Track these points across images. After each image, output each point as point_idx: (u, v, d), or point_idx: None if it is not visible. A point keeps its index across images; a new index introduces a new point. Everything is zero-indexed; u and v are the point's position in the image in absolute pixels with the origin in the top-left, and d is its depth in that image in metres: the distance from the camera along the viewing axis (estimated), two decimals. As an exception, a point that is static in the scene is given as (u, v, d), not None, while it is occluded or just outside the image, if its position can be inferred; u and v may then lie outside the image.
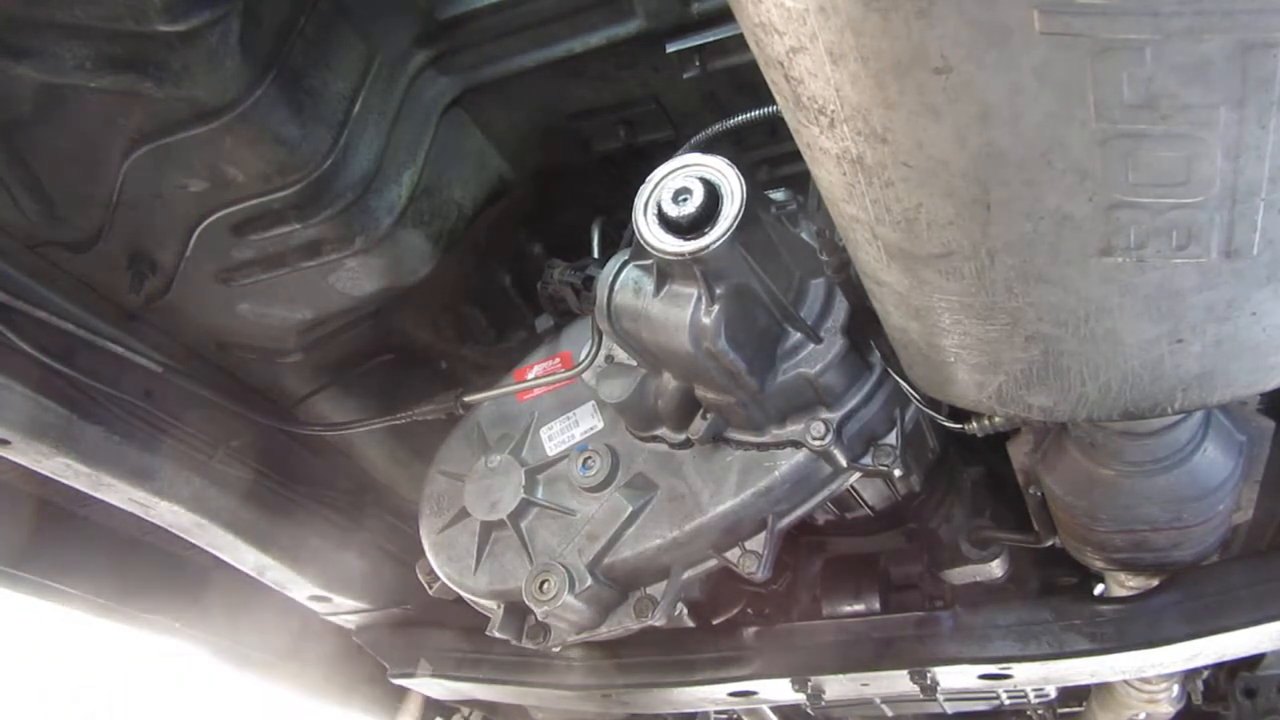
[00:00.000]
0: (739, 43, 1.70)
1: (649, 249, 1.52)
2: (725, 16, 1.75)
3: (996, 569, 2.31)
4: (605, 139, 2.09)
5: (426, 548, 2.15)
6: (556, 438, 2.05)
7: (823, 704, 2.42)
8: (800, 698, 2.37)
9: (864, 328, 1.71)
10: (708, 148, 1.58)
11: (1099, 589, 2.48)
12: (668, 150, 1.68)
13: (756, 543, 1.88)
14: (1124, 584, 2.16)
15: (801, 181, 1.66)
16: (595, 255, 2.14)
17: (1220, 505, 1.72)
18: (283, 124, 1.68)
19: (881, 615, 2.36)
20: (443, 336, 2.41)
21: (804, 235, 1.74)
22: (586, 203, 2.23)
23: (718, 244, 1.47)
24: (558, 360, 2.11)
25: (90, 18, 1.46)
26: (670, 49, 1.81)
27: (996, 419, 1.71)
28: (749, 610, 2.63)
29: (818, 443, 1.77)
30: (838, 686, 2.31)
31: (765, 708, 3.08)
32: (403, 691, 2.92)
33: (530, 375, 2.10)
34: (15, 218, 1.77)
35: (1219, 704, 2.96)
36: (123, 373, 2.00)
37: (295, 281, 2.00)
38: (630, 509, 1.91)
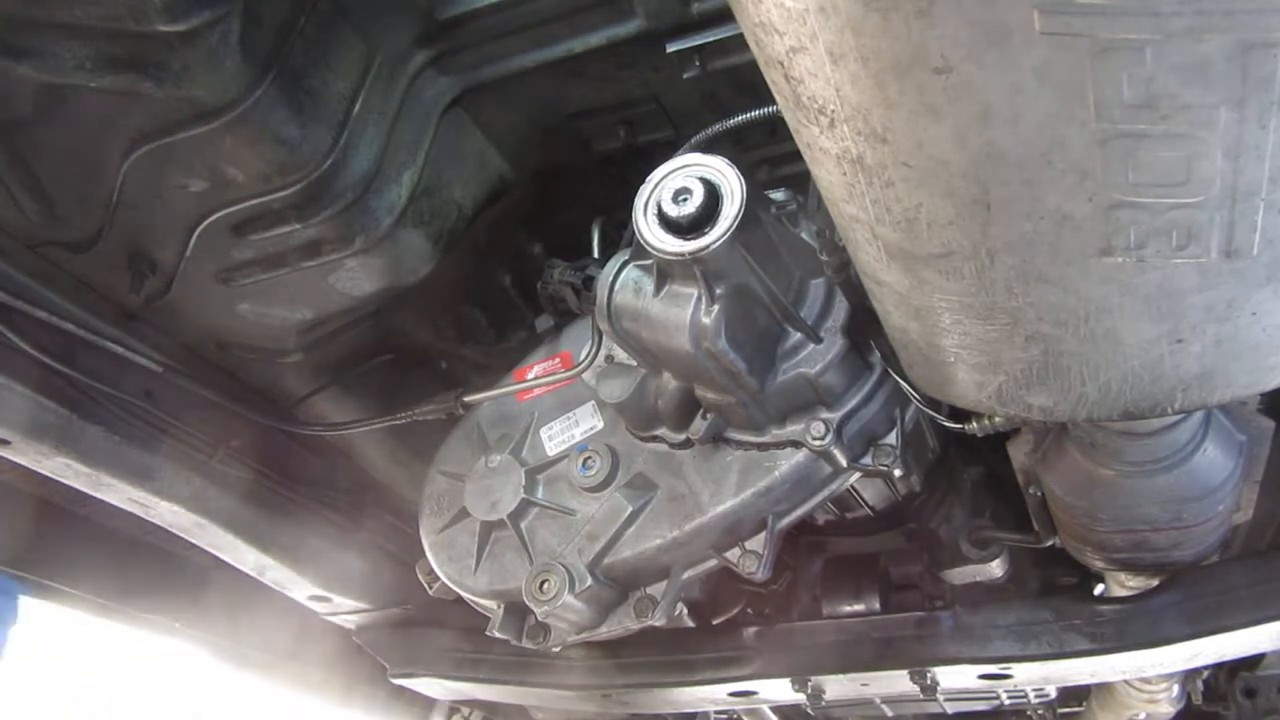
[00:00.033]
0: (739, 43, 1.70)
1: (649, 249, 1.52)
2: (725, 16, 1.75)
3: (996, 569, 2.31)
4: (605, 139, 2.09)
5: (426, 548, 2.15)
6: (556, 438, 2.05)
7: (823, 704, 2.42)
8: (800, 698, 2.37)
9: (864, 328, 1.71)
10: (708, 148, 1.58)
11: (1099, 589, 2.48)
12: (668, 150, 1.68)
13: (756, 543, 1.88)
14: (1124, 584, 2.16)
15: (801, 181, 1.66)
16: (595, 255, 2.14)
17: (1220, 505, 1.72)
18: (283, 124, 1.68)
19: (881, 615, 2.36)
20: (443, 336, 2.41)
21: (804, 235, 1.74)
22: (586, 203, 2.23)
23: (718, 244, 1.47)
24: (558, 360, 2.11)
25: (90, 18, 1.46)
26: (670, 49, 1.81)
27: (996, 419, 1.71)
28: (749, 610, 2.63)
29: (818, 443, 1.77)
30: (838, 686, 2.31)
31: (765, 708, 3.08)
32: (404, 691, 2.92)
33: (530, 375, 2.10)
34: (15, 218, 1.77)
35: (1219, 704, 2.96)
36: (123, 373, 2.00)
37: (295, 281, 2.00)
38: (630, 509, 1.91)
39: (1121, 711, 2.93)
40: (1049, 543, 2.12)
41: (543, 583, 1.90)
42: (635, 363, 1.83)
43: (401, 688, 2.79)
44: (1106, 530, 1.82)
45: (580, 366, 1.92)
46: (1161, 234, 0.88)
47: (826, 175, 0.97)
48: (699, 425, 1.84)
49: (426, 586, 2.26)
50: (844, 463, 1.81)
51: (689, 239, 1.49)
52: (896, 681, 2.23)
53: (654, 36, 1.81)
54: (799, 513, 1.91)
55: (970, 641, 2.13)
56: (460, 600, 2.17)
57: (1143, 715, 2.92)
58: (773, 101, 0.96)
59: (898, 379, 1.64)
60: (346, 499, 2.65)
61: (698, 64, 1.83)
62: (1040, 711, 3.26)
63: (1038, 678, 2.24)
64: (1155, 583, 2.03)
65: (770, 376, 1.73)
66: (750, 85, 1.85)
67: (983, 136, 0.81)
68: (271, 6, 1.61)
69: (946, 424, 1.77)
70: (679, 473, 1.92)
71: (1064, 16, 0.71)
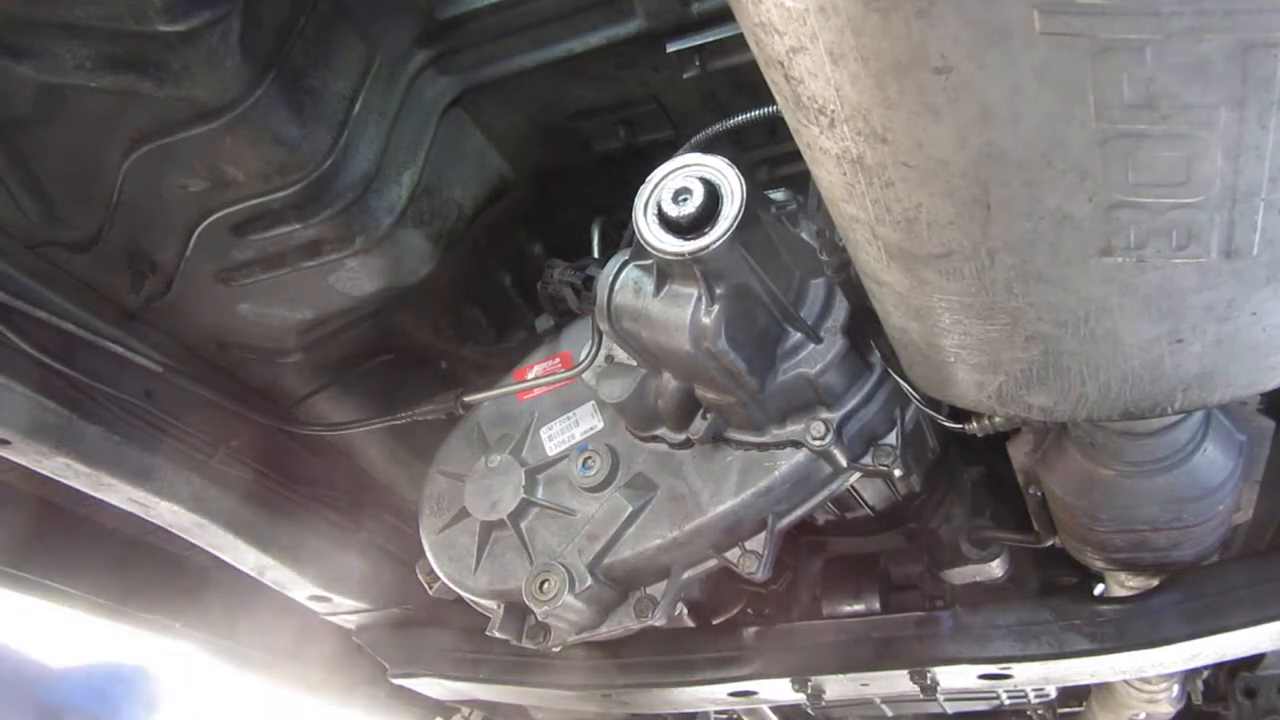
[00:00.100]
0: (739, 43, 1.70)
1: (649, 249, 1.52)
2: (725, 16, 1.75)
3: (996, 569, 2.31)
4: (605, 139, 2.09)
5: (426, 548, 2.15)
6: (556, 438, 2.05)
7: (823, 704, 2.42)
8: (800, 698, 2.37)
9: (864, 328, 1.71)
10: (708, 148, 1.58)
11: (1099, 589, 2.48)
12: (668, 150, 1.68)
13: (756, 543, 1.88)
14: (1124, 584, 2.16)
15: (801, 181, 1.66)
16: (595, 255, 2.14)
17: (1220, 505, 1.72)
18: (283, 124, 1.68)
19: (881, 615, 2.36)
20: (443, 336, 2.41)
21: (804, 235, 1.74)
22: (586, 203, 2.23)
23: (718, 244, 1.47)
24: (558, 360, 2.11)
25: (90, 18, 1.46)
26: (670, 49, 1.81)
27: (996, 419, 1.71)
28: (749, 610, 2.63)
29: (818, 443, 1.77)
30: (838, 686, 2.31)
31: (765, 708, 3.08)
32: (404, 691, 2.92)
33: (530, 375, 2.10)
34: (15, 218, 1.77)
35: (1219, 704, 2.96)
36: (123, 373, 2.00)
37: (295, 281, 2.00)
38: (630, 509, 1.91)
39: (1121, 711, 2.93)
40: (1049, 543, 2.12)
41: (543, 583, 1.90)
42: (635, 363, 1.83)
43: (401, 688, 2.79)
44: (1106, 530, 1.82)
45: (580, 366, 1.92)
46: (1161, 234, 0.88)
47: (826, 175, 0.97)
48: (699, 425, 1.84)
49: (426, 586, 2.26)
50: (844, 463, 1.81)
51: (689, 239, 1.49)
52: (896, 681, 2.23)
53: (654, 36, 1.81)
54: (799, 513, 1.91)
55: (970, 641, 2.13)
56: (460, 600, 2.17)
57: (1143, 715, 2.92)
58: (773, 101, 0.96)
59: (898, 379, 1.64)
60: (346, 499, 2.65)
61: (698, 64, 1.83)
62: (1040, 711, 3.26)
63: (1038, 678, 2.24)
64: (1155, 583, 2.03)
65: (770, 376, 1.73)
66: (750, 85, 1.85)
67: (983, 136, 0.81)
68: (271, 6, 1.61)
69: (946, 424, 1.77)
70: (679, 473, 1.92)
71: (1064, 16, 0.71)
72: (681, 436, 1.89)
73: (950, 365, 1.19)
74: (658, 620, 1.95)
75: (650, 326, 1.63)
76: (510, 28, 1.82)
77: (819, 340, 1.72)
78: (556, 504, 1.99)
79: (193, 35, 1.50)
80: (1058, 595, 2.57)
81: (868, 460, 1.83)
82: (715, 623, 2.53)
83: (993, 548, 2.29)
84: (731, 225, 1.47)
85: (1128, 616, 2.02)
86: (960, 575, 2.34)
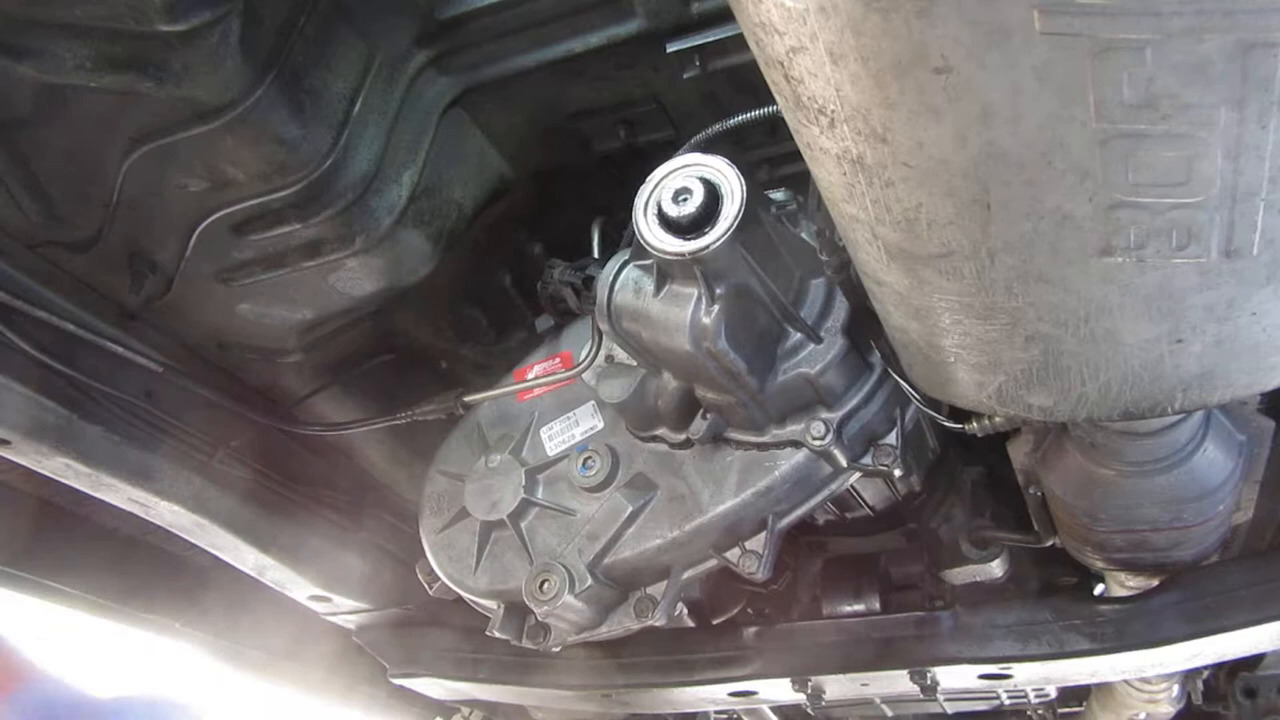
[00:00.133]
0: (739, 43, 1.70)
1: (649, 249, 1.52)
2: (725, 16, 1.75)
3: (996, 569, 2.31)
4: (605, 139, 2.09)
5: (426, 548, 2.15)
6: (556, 438, 2.05)
7: (823, 704, 2.42)
8: (800, 698, 2.37)
9: (864, 328, 1.71)
10: (708, 148, 1.58)
11: (1099, 589, 2.48)
12: (668, 150, 1.68)
13: (757, 543, 1.88)
14: (1124, 584, 2.16)
15: (801, 181, 1.66)
16: (595, 255, 2.14)
17: (1220, 505, 1.72)
18: (283, 124, 1.68)
19: (881, 615, 2.36)
20: (443, 336, 2.41)
21: (804, 235, 1.74)
22: (586, 203, 2.23)
23: (718, 244, 1.47)
24: (558, 360, 2.11)
25: (90, 18, 1.46)
26: (670, 49, 1.81)
27: (996, 419, 1.71)
28: (749, 610, 2.63)
29: (818, 443, 1.77)
30: (838, 686, 2.31)
31: (765, 708, 3.08)
32: (404, 691, 2.92)
33: (530, 375, 2.10)
34: (15, 218, 1.77)
35: (1219, 704, 2.96)
36: (123, 373, 2.00)
37: (295, 281, 2.00)
38: (630, 509, 1.91)
39: (1121, 711, 2.93)
40: (1049, 543, 2.12)
41: (543, 583, 1.90)
42: (635, 363, 1.83)
43: (401, 688, 2.79)
44: (1106, 530, 1.82)
45: (580, 366, 1.92)
46: (1161, 234, 0.88)
47: (826, 175, 0.97)
48: (699, 425, 1.84)
49: (426, 586, 2.26)
50: (844, 463, 1.81)
51: (689, 239, 1.49)
52: (896, 681, 2.23)
53: (654, 36, 1.81)
54: (799, 513, 1.91)
55: (970, 641, 2.13)
56: (460, 600, 2.17)
57: (1143, 715, 2.92)
58: (773, 101, 0.96)
59: (898, 379, 1.64)
60: (346, 499, 2.65)
61: (698, 64, 1.83)
62: (1040, 711, 3.27)
63: (1038, 678, 2.24)
64: (1155, 583, 2.03)
65: (770, 376, 1.73)
66: (750, 85, 1.85)
67: (983, 136, 0.81)
68: (271, 6, 1.61)
69: (946, 424, 1.77)
70: (679, 473, 1.92)
71: (1064, 16, 0.71)
72: (681, 436, 1.89)
73: (950, 365, 1.19)
74: (658, 620, 1.95)
75: (650, 326, 1.63)
76: (510, 28, 1.82)
77: (819, 340, 1.72)
78: (556, 504, 1.99)
79: (193, 35, 1.49)
80: (1058, 595, 2.57)
81: (868, 460, 1.83)
82: (715, 623, 2.53)
83: (993, 548, 2.29)
84: (731, 225, 1.47)
85: (1128, 616, 2.02)
86: (960, 575, 2.34)
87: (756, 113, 1.64)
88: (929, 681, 2.19)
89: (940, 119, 0.81)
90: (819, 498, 1.91)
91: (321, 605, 2.70)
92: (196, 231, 1.86)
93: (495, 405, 2.16)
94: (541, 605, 1.89)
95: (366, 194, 1.86)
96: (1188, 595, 1.96)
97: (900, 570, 2.50)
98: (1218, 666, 2.88)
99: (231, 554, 2.37)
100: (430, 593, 2.25)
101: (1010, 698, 2.66)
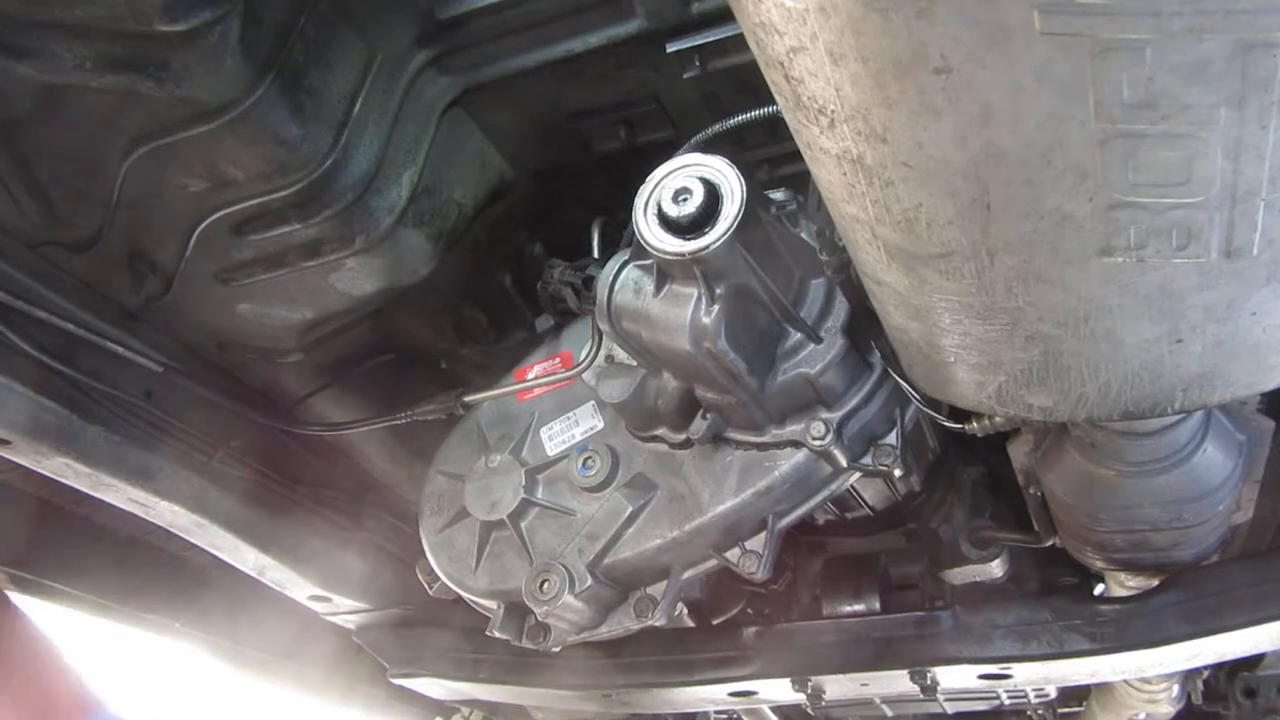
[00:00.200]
0: (739, 43, 1.70)
1: (649, 249, 1.52)
2: (725, 16, 1.75)
3: (996, 569, 2.31)
4: (605, 139, 2.09)
5: (426, 548, 2.15)
6: (556, 438, 2.05)
7: (823, 704, 2.42)
8: (800, 698, 2.37)
9: (864, 328, 1.71)
10: (708, 148, 1.58)
11: (1099, 589, 2.48)
12: (668, 150, 1.68)
13: (757, 543, 1.88)
14: (1124, 584, 2.16)
15: (801, 181, 1.66)
16: (595, 255, 2.14)
17: (1220, 505, 1.72)
18: (283, 124, 1.68)
19: (881, 615, 2.36)
20: (443, 336, 2.41)
21: (804, 235, 1.74)
22: (586, 203, 2.23)
23: (718, 244, 1.47)
24: (558, 360, 2.11)
25: (90, 18, 1.46)
26: (670, 49, 1.81)
27: (996, 419, 1.71)
28: (749, 610, 2.63)
29: (818, 443, 1.77)
30: (838, 686, 2.31)
31: (765, 708, 3.08)
32: (404, 691, 2.92)
33: (530, 375, 2.10)
34: (15, 218, 1.77)
35: (1219, 704, 2.96)
36: (123, 373, 2.00)
37: (295, 281, 2.00)
38: (630, 509, 1.91)
39: (1121, 711, 2.93)
40: (1049, 543, 2.12)
41: (543, 583, 1.90)
42: (635, 363, 1.83)
43: (401, 688, 2.79)
44: (1106, 530, 1.82)
45: (580, 366, 1.92)
46: (1161, 234, 0.88)
47: (826, 175, 0.97)
48: (699, 425, 1.84)
49: (426, 586, 2.26)
50: (844, 463, 1.81)
51: (689, 239, 1.49)
52: (896, 681, 2.23)
53: (654, 36, 1.81)
54: (799, 513, 1.91)
55: (970, 641, 2.13)
56: (460, 600, 2.17)
57: (1143, 715, 2.92)
58: (773, 101, 0.96)
59: (898, 379, 1.64)
60: (346, 499, 2.65)
61: (698, 64, 1.83)
62: (1040, 711, 3.26)
63: (1038, 678, 2.24)
64: (1155, 583, 2.03)
65: (770, 376, 1.73)
66: (750, 85, 1.85)
67: (983, 136, 0.81)
68: (271, 6, 1.61)
69: (946, 424, 1.77)
70: (679, 473, 1.92)
71: (1064, 16, 0.71)
72: (681, 436, 1.89)
73: (950, 365, 1.19)
74: (658, 620, 1.95)
75: (650, 326, 1.63)
76: (510, 28, 1.83)
77: (819, 340, 1.72)
78: (556, 504, 1.99)
79: (193, 35, 1.50)
80: (1058, 595, 2.56)
81: (868, 460, 1.83)
82: (715, 623, 2.53)
83: (993, 548, 2.29)
84: (731, 225, 1.47)
85: (1128, 616, 2.02)
86: (960, 575, 2.34)
87: (756, 113, 1.64)
88: (929, 681, 2.19)
89: (940, 119, 0.81)
90: (819, 498, 1.90)
91: (321, 605, 2.70)
92: (196, 231, 1.86)
93: (495, 405, 2.16)
94: (541, 605, 1.89)
95: (366, 194, 1.86)
96: (1188, 595, 1.96)
97: (900, 570, 2.50)
98: (1218, 666, 2.88)
99: (231, 554, 2.37)
100: (430, 593, 2.25)
101: (1010, 698, 2.66)
